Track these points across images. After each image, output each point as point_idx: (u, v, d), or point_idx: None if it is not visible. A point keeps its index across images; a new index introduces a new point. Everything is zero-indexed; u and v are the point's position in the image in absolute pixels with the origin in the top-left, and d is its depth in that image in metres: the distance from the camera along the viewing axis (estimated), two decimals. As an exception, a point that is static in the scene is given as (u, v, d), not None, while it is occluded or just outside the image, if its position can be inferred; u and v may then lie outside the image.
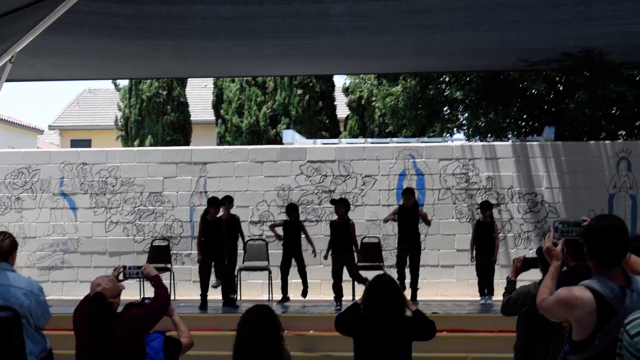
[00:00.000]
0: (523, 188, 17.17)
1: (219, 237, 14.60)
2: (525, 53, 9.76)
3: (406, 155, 17.35)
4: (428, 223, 15.50)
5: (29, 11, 6.59)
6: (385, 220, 15.67)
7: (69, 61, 9.64)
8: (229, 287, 14.85)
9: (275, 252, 16.46)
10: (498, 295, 16.02)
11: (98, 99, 41.31)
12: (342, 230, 14.62)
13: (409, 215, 15.11)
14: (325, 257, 14.95)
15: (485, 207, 15.51)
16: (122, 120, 31.40)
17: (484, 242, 15.39)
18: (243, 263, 16.25)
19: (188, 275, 17.15)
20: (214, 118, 31.97)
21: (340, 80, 53.55)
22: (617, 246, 4.38)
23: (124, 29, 8.16)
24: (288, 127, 28.12)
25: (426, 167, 17.27)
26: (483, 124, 20.73)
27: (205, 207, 15.08)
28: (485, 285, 15.40)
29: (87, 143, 35.73)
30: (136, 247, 17.61)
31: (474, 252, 15.45)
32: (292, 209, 15.43)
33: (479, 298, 15.49)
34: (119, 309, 6.25)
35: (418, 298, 14.96)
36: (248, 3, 7.57)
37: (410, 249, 15.13)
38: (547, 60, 10.18)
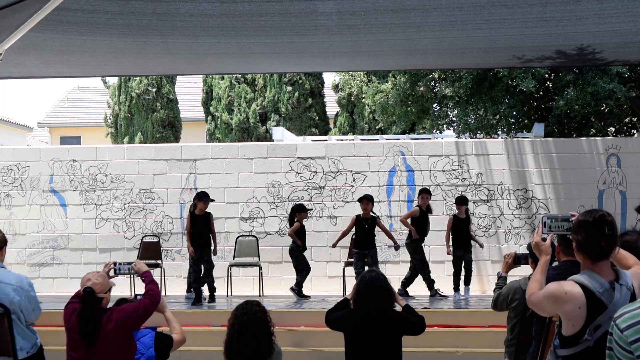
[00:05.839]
0: (513, 184, 17.20)
1: (206, 233, 14.56)
2: (516, 51, 9.75)
3: (396, 151, 17.36)
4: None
5: (16, 8, 6.58)
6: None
7: (57, 59, 9.58)
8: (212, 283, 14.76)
9: (266, 248, 16.51)
10: (489, 291, 16.11)
11: (87, 96, 41.26)
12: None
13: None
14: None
15: (461, 202, 15.38)
16: (111, 117, 31.38)
17: (462, 238, 15.26)
18: (234, 259, 16.30)
19: (179, 272, 17.14)
20: (204, 115, 32.02)
21: (329, 77, 53.61)
22: (606, 239, 4.38)
23: (111, 27, 8.12)
24: (278, 124, 28.18)
25: (416, 164, 17.28)
26: (473, 121, 20.75)
27: (193, 201, 14.86)
28: (464, 281, 15.18)
29: (76, 140, 35.69)
30: (126, 243, 17.59)
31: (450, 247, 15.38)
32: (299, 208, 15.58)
33: (453, 294, 15.28)
34: (110, 305, 6.26)
35: (408, 293, 15.00)
36: (237, 1, 7.56)
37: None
38: (541, 58, 10.16)
